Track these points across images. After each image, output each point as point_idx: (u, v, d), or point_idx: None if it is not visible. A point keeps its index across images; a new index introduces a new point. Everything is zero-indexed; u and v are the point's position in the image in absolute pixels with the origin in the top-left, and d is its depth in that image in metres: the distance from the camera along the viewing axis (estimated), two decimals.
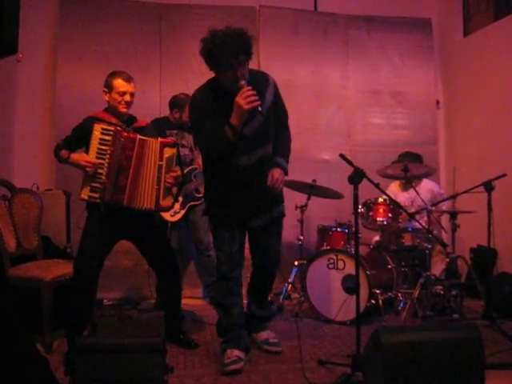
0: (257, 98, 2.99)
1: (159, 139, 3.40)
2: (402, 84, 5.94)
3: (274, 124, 3.33)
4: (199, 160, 4.31)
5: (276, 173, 3.25)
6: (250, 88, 3.00)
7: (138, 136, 3.35)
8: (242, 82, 3.03)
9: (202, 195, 4.53)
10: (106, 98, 3.45)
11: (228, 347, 3.27)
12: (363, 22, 5.92)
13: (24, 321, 2.23)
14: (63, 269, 3.66)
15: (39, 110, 5.31)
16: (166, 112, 4.71)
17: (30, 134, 5.24)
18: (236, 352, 3.23)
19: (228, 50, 2.95)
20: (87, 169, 3.23)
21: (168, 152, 3.39)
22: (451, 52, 6.06)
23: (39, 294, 3.50)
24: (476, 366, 2.46)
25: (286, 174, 3.35)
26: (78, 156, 3.30)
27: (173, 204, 3.50)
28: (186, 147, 4.60)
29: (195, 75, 5.31)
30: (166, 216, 4.44)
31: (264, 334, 3.64)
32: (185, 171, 4.45)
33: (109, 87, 3.43)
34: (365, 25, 5.92)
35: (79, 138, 3.40)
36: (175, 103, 4.59)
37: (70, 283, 3.43)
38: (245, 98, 2.97)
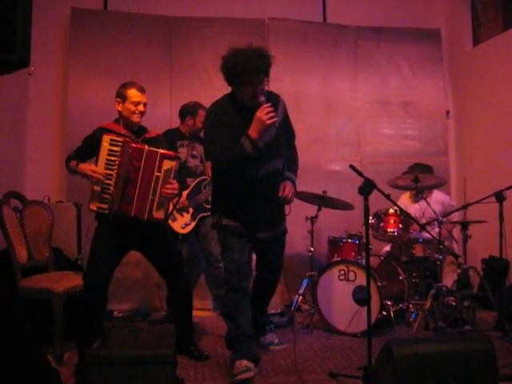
0: (274, 114, 3.10)
1: (160, 150, 3.37)
2: (412, 94, 5.93)
3: (283, 141, 3.44)
4: (209, 171, 4.33)
5: (288, 185, 3.35)
6: (270, 104, 3.12)
7: (146, 147, 3.35)
8: (262, 99, 3.15)
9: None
10: (119, 108, 3.46)
11: (237, 358, 3.26)
12: (372, 34, 5.93)
13: (35, 332, 2.24)
14: (74, 280, 3.68)
15: (50, 123, 5.36)
16: (176, 124, 4.74)
17: (41, 146, 5.29)
18: (245, 362, 3.21)
19: (251, 68, 3.09)
20: (93, 179, 3.24)
21: (167, 164, 3.35)
22: (461, 62, 6.05)
23: (50, 306, 3.51)
24: (489, 377, 2.44)
25: (295, 188, 3.45)
26: (85, 166, 3.32)
27: (166, 217, 3.48)
28: (196, 158, 4.62)
29: (205, 87, 5.36)
30: (177, 228, 4.45)
31: (268, 337, 3.94)
32: (195, 182, 4.49)
33: (122, 97, 3.44)
34: (374, 36, 5.93)
35: (89, 148, 3.41)
36: (186, 111, 4.62)
37: (81, 295, 3.44)
38: (266, 113, 3.09)
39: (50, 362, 2.33)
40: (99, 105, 4.96)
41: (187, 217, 4.52)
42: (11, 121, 4.94)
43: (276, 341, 3.93)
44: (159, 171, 3.34)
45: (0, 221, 3.67)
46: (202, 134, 4.66)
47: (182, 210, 4.48)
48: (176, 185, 3.41)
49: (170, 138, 4.46)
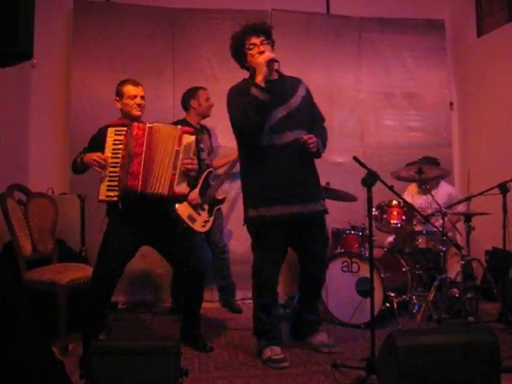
0: (274, 55, 3.31)
1: (179, 126, 3.42)
2: (416, 86, 5.90)
3: (308, 117, 3.55)
4: (215, 162, 4.58)
5: (311, 135, 3.39)
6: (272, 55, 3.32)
7: (148, 124, 3.35)
8: (266, 54, 3.31)
9: (223, 197, 4.55)
10: (119, 105, 3.52)
11: (270, 344, 3.39)
12: (376, 24, 5.89)
13: (40, 324, 2.25)
14: (78, 272, 3.69)
15: (54, 115, 5.35)
16: (180, 116, 4.72)
17: (44, 138, 5.29)
18: (279, 350, 3.36)
19: (250, 29, 3.41)
20: (99, 164, 3.25)
21: (186, 139, 3.39)
22: (465, 53, 6.03)
23: (55, 298, 3.53)
24: (492, 369, 2.44)
25: (320, 151, 3.55)
26: (91, 154, 3.32)
27: (188, 192, 3.53)
28: (203, 151, 4.58)
29: (208, 79, 5.34)
30: (198, 228, 4.38)
31: (318, 338, 3.68)
32: (202, 177, 4.41)
33: (120, 94, 3.51)
34: (377, 27, 5.89)
35: (96, 147, 3.41)
36: (187, 96, 4.61)
37: (85, 286, 3.46)
38: (262, 56, 3.29)
39: (55, 354, 2.34)
40: (102, 97, 4.95)
41: (204, 214, 4.46)
42: (14, 113, 4.94)
43: (326, 341, 3.63)
44: (179, 146, 3.36)
45: (4, 213, 3.68)
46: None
47: (197, 208, 4.41)
48: (196, 160, 3.45)
49: None
